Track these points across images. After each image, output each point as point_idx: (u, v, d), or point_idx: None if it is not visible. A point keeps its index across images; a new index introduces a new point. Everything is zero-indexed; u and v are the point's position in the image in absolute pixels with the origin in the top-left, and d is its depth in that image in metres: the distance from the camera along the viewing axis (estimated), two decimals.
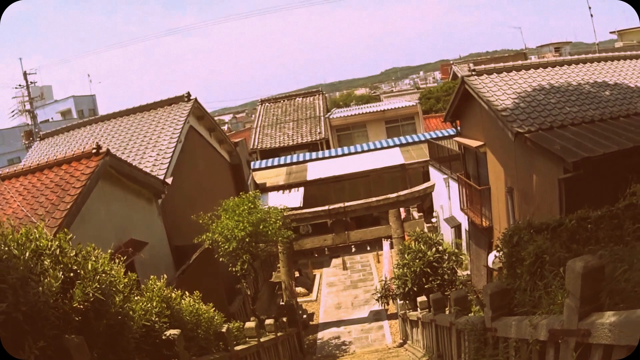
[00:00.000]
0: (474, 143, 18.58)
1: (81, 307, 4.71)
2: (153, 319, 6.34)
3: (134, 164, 15.36)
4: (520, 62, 19.23)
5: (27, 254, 4.46)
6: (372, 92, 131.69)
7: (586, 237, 7.76)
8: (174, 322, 7.17)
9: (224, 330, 9.50)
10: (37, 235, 4.88)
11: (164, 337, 6.45)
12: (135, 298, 6.35)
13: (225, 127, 67.43)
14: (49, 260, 4.74)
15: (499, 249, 8.32)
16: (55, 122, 55.40)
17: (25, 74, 41.66)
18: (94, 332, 4.85)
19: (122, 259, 6.38)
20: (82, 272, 5.04)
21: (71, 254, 5.12)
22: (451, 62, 77.34)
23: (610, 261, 5.08)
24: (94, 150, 12.17)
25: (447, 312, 11.03)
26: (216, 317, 9.60)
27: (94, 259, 5.39)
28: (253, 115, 51.30)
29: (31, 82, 42.25)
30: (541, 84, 16.97)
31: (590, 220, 7.64)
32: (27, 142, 42.92)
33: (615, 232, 7.38)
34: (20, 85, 42.11)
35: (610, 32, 54.92)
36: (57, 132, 23.29)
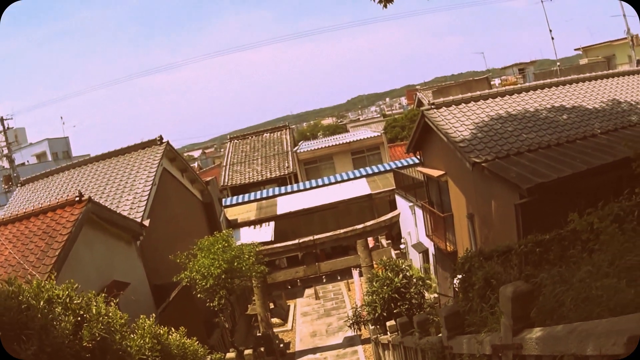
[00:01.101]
0: (435, 173, 19.19)
1: (89, 345, 5.40)
2: (147, 354, 7.01)
3: (112, 208, 15.97)
4: (478, 92, 19.55)
5: (42, 303, 5.16)
6: (339, 121, 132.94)
7: (537, 259, 8.49)
8: (164, 356, 7.81)
9: None
10: (49, 287, 5.58)
11: None
12: (131, 336, 7.03)
13: (195, 164, 67.57)
14: (60, 307, 5.43)
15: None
16: (32, 165, 55.63)
17: (1, 120, 41.64)
18: None
19: (115, 301, 7.09)
20: (87, 315, 5.73)
21: (77, 300, 5.82)
22: (417, 86, 78.52)
23: (550, 283, 5.74)
24: (77, 198, 12.75)
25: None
26: (200, 350, 10.22)
27: (95, 303, 6.10)
28: (222, 150, 51.58)
29: (7, 127, 42.28)
30: (499, 112, 17.48)
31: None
32: (6, 187, 42.93)
33: (565, 253, 8.08)
34: None
35: (575, 49, 55.58)
36: (37, 178, 23.72)
